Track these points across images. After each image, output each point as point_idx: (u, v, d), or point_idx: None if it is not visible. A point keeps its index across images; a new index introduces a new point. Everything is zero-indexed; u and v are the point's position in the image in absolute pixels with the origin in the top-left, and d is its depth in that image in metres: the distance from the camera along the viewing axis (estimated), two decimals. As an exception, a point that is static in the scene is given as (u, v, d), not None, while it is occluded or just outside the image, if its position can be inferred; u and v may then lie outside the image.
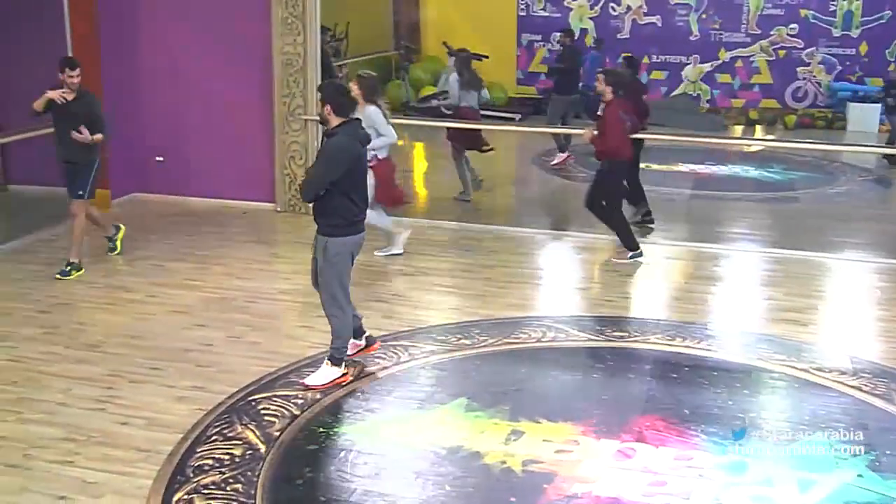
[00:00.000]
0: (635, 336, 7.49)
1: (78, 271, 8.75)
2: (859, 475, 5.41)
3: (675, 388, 6.59)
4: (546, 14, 19.09)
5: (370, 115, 8.47)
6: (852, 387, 6.59)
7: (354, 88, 8.33)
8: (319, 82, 10.57)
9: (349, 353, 6.73)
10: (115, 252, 9.38)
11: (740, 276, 9.30)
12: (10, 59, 11.18)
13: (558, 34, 16.49)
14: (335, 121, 6.30)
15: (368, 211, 8.04)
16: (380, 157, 8.88)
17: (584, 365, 7.01)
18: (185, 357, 7.00)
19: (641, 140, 10.78)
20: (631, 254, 9.44)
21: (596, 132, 9.35)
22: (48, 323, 7.69)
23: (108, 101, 10.83)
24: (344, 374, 6.58)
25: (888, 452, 5.66)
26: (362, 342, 6.90)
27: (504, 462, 5.53)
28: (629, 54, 12.25)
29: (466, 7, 18.61)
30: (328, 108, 6.30)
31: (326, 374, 6.53)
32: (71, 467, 5.46)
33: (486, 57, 16.38)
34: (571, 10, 18.99)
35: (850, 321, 8.11)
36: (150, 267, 9.04)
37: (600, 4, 18.85)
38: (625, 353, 7.18)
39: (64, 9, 10.53)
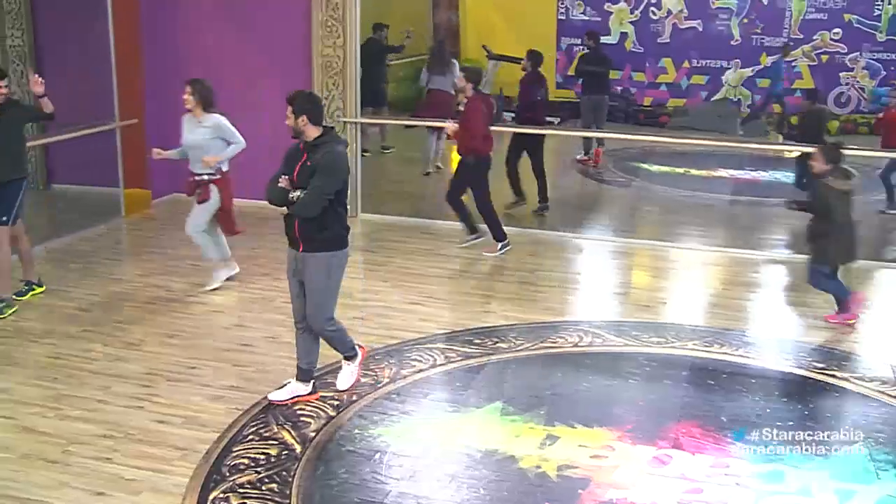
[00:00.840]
0: (672, 342, 7.45)
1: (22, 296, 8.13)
2: (900, 486, 5.35)
3: (712, 395, 6.54)
4: (586, 18, 19.01)
5: (218, 124, 8.32)
6: (894, 397, 6.51)
7: (188, 97, 8.21)
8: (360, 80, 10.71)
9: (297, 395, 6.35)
10: (21, 298, 8.11)
11: (780, 283, 9.21)
12: (55, 63, 11.33)
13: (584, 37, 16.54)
14: (313, 130, 6.09)
15: (206, 236, 8.09)
16: (224, 169, 8.51)
17: (621, 370, 6.97)
18: (223, 356, 7.05)
19: (540, 135, 11.55)
20: (500, 245, 9.61)
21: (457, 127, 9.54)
22: (88, 321, 7.77)
23: (150, 102, 10.99)
24: (361, 354, 6.62)
25: (930, 464, 5.59)
26: (309, 387, 6.42)
27: (539, 467, 5.51)
28: (534, 49, 12.14)
29: (506, 11, 18.60)
30: (303, 118, 6.05)
31: (351, 371, 6.54)
32: (109, 464, 5.52)
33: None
34: (611, 14, 18.91)
35: (893, 330, 8.01)
36: (189, 267, 9.11)
37: (640, 8, 18.76)
38: (662, 358, 7.14)
39: (108, 13, 10.63)
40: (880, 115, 13.33)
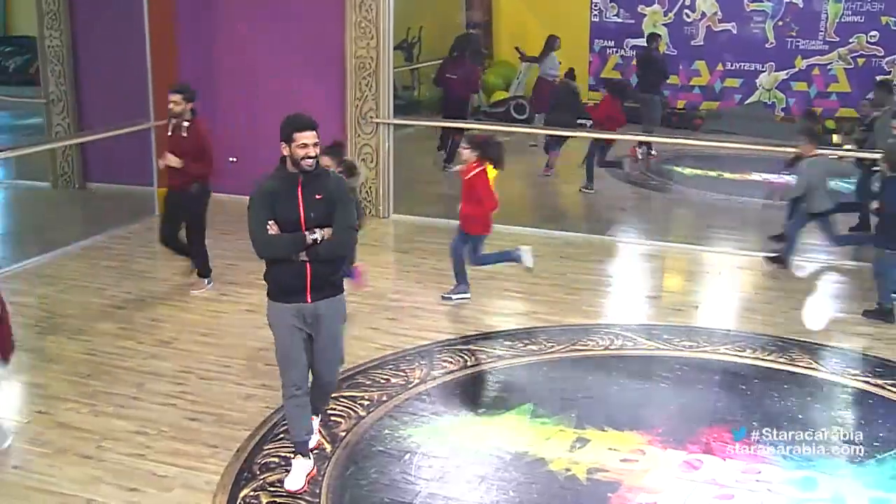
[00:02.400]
0: (704, 346, 7.41)
1: None
2: (934, 495, 5.30)
3: (744, 400, 6.50)
4: (619, 20, 18.94)
5: None
6: (928, 404, 6.45)
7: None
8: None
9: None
10: None
11: (814, 287, 9.14)
12: (91, 62, 11.45)
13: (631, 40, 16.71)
14: (325, 160, 5.79)
15: None
16: None
17: (652, 374, 6.95)
18: (255, 355, 7.09)
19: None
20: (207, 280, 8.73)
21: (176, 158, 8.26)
22: (123, 318, 7.84)
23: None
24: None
25: (965, 472, 5.53)
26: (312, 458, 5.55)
27: (569, 469, 5.51)
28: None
29: (539, 12, 18.55)
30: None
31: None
32: (142, 460, 5.57)
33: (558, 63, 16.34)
34: (645, 16, 18.82)
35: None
36: (223, 266, 9.16)
37: (674, 10, 18.66)
38: (693, 363, 7.11)
39: (144, 14, 10.73)
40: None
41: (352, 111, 10.99)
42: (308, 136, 5.20)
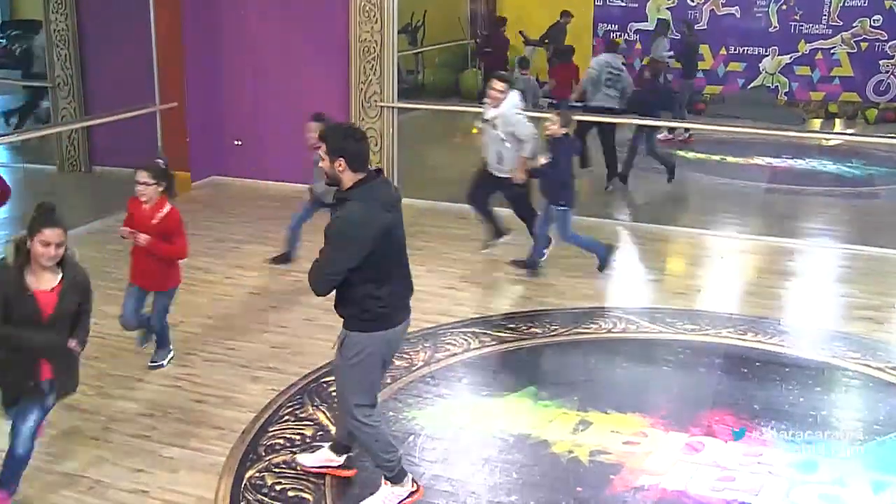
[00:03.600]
0: (707, 329, 7.45)
1: None
2: (933, 477, 5.35)
3: (745, 384, 6.54)
4: (623, 4, 18.91)
5: None
6: (929, 387, 6.49)
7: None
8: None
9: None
10: None
11: (816, 272, 9.17)
12: (98, 46, 11.47)
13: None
14: (349, 178, 4.56)
15: None
16: None
17: (655, 357, 6.99)
18: (261, 338, 7.14)
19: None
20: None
21: None
22: (128, 301, 7.88)
23: (191, 86, 11.10)
24: (414, 491, 5.04)
25: (964, 455, 5.58)
26: (342, 459, 5.32)
27: (571, 452, 5.55)
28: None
29: (543, -4, 18.54)
30: (340, 161, 4.52)
31: (386, 496, 4.99)
32: (148, 442, 5.63)
33: (562, 46, 16.32)
34: (648, 0, 18.79)
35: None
36: (228, 249, 9.21)
37: (678, -6, 18.62)
38: (696, 346, 7.15)
39: (149, -3, 10.76)
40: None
41: (356, 95, 11.01)
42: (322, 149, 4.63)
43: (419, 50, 18.43)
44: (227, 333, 7.25)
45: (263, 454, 5.50)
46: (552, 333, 7.32)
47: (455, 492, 5.16)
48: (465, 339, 7.15)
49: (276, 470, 5.32)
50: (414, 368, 6.63)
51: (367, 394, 4.86)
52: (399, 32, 11.86)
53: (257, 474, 5.28)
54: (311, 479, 5.22)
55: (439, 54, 19.34)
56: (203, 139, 11.29)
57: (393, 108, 11.08)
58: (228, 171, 11.83)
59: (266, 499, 5.07)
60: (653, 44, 16.00)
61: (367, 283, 4.62)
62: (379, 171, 4.72)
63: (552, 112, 9.18)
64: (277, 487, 5.15)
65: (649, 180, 12.52)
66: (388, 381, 6.39)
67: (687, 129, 15.13)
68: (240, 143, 11.62)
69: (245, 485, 5.19)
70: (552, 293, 8.19)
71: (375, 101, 10.97)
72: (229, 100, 11.54)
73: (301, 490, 5.13)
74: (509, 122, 8.53)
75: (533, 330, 7.36)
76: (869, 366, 6.81)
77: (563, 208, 8.45)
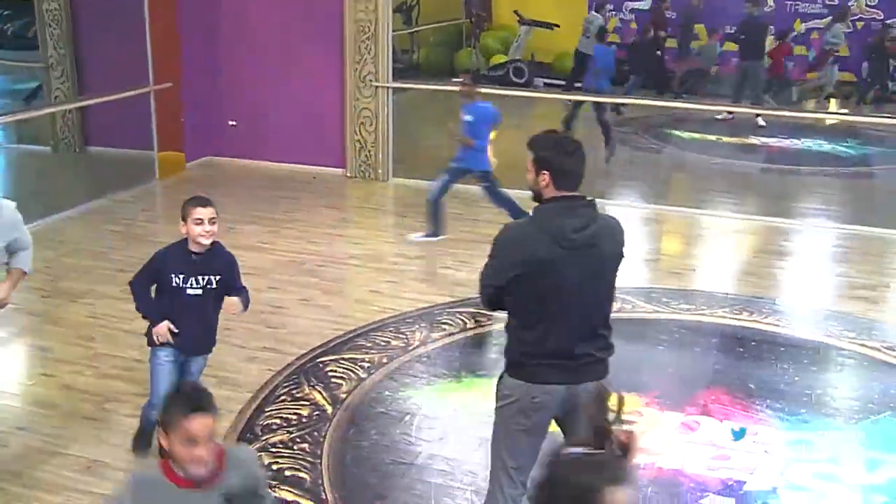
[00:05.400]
0: (702, 309, 7.46)
1: None
2: (927, 455, 5.38)
3: (741, 363, 6.57)
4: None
5: None
6: (923, 366, 6.52)
7: None
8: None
9: None
10: None
11: (811, 252, 9.19)
12: (91, 26, 11.42)
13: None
14: (549, 195, 3.87)
15: None
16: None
17: (650, 337, 7.00)
18: (257, 318, 7.13)
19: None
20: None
21: None
22: (125, 282, 7.75)
23: (187, 64, 11.06)
24: None
25: (958, 433, 5.61)
26: None
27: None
28: None
29: (538, -25, 18.47)
30: (545, 175, 3.83)
31: None
32: (146, 422, 5.63)
33: (557, 26, 16.32)
34: (645, -23, 18.73)
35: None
36: (224, 229, 9.16)
37: (675, -27, 18.54)
38: (691, 325, 7.17)
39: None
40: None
41: (351, 74, 10.97)
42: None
43: (414, 29, 18.39)
44: (223, 314, 7.23)
45: (260, 434, 5.51)
46: (548, 313, 7.31)
47: (451, 471, 5.18)
48: (461, 319, 7.15)
49: (273, 450, 5.33)
50: (410, 348, 6.64)
51: (510, 456, 4.08)
52: (394, 11, 11.82)
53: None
54: (308, 458, 5.24)
55: (434, 33, 19.29)
56: (198, 120, 11.25)
57: (388, 87, 11.05)
58: (223, 151, 11.80)
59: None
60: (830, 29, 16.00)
61: (516, 317, 3.97)
62: (588, 202, 3.87)
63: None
64: (274, 467, 5.16)
65: (642, 159, 12.53)
66: (385, 360, 6.42)
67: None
68: (235, 123, 11.59)
69: (242, 464, 5.20)
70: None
71: (370, 80, 10.94)
72: (225, 80, 11.50)
73: (298, 470, 5.15)
74: None
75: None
76: (864, 345, 6.83)
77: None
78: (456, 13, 19.91)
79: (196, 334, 5.09)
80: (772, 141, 14.23)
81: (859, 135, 14.57)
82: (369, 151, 11.09)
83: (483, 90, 9.53)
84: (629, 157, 13.33)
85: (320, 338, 6.70)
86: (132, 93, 10.68)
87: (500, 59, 18.12)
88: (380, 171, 11.09)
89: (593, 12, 16.73)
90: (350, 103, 11.05)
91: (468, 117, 8.53)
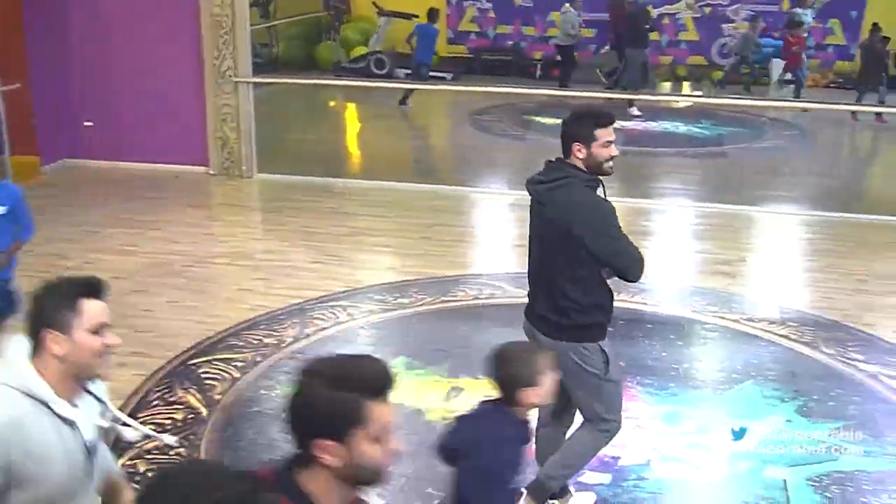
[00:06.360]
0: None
1: None
2: (788, 420, 5.62)
3: (611, 342, 6.70)
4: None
5: None
6: (781, 336, 6.80)
7: None
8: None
9: None
10: None
11: (672, 231, 9.48)
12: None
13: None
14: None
15: None
16: None
17: (522, 321, 7.08)
18: (124, 323, 6.93)
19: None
20: None
21: None
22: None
23: (35, 63, 10.66)
24: None
25: (815, 398, 5.88)
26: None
27: (446, 418, 5.60)
28: None
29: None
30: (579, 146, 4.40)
31: None
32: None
33: (416, 16, 16.36)
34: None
35: (779, 272, 8.33)
36: (86, 233, 8.93)
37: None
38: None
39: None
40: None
41: (210, 70, 10.77)
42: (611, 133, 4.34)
43: (272, 23, 18.18)
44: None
45: (134, 441, 5.38)
46: (420, 303, 7.35)
47: (332, 465, 5.15)
48: (333, 314, 7.12)
49: (149, 456, 5.21)
50: (283, 345, 6.58)
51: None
52: (251, 6, 11.65)
53: (129, 462, 5.16)
54: (183, 458, 5.14)
55: (293, 27, 19.12)
56: (52, 121, 10.86)
57: (248, 83, 10.89)
58: (81, 153, 11.43)
59: (138, 486, 4.96)
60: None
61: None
62: (552, 162, 4.60)
63: None
64: (151, 475, 5.05)
65: (504, 146, 12.65)
66: (259, 359, 6.35)
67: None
68: (90, 123, 11.25)
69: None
70: (418, 263, 8.22)
71: (230, 76, 10.76)
72: (78, 79, 11.14)
73: (175, 474, 5.04)
74: None
75: (400, 300, 7.38)
76: (725, 318, 7.09)
77: None
78: (314, 6, 19.78)
79: None
80: (629, 125, 14.58)
81: (713, 116, 15.07)
82: (232, 148, 10.91)
83: (344, 83, 9.51)
84: (491, 144, 13.50)
85: (191, 339, 6.57)
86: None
87: (360, 50, 18.08)
88: (244, 167, 10.92)
89: None
90: (210, 100, 10.85)
91: None
